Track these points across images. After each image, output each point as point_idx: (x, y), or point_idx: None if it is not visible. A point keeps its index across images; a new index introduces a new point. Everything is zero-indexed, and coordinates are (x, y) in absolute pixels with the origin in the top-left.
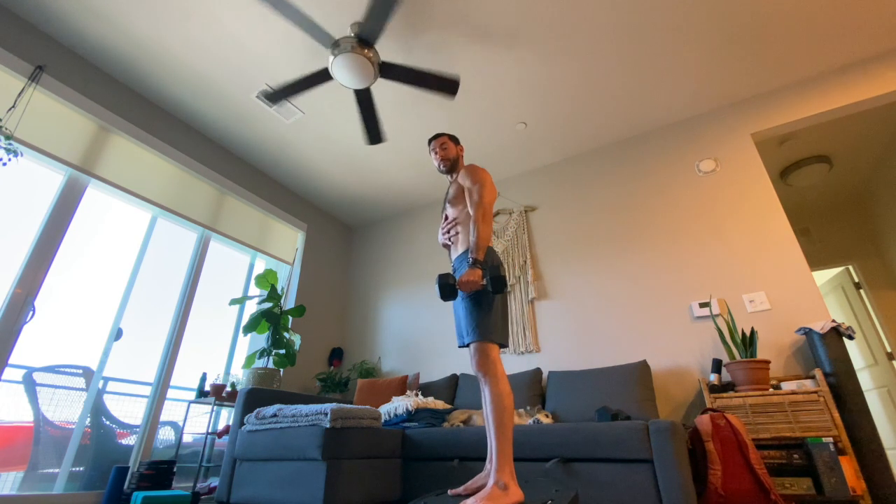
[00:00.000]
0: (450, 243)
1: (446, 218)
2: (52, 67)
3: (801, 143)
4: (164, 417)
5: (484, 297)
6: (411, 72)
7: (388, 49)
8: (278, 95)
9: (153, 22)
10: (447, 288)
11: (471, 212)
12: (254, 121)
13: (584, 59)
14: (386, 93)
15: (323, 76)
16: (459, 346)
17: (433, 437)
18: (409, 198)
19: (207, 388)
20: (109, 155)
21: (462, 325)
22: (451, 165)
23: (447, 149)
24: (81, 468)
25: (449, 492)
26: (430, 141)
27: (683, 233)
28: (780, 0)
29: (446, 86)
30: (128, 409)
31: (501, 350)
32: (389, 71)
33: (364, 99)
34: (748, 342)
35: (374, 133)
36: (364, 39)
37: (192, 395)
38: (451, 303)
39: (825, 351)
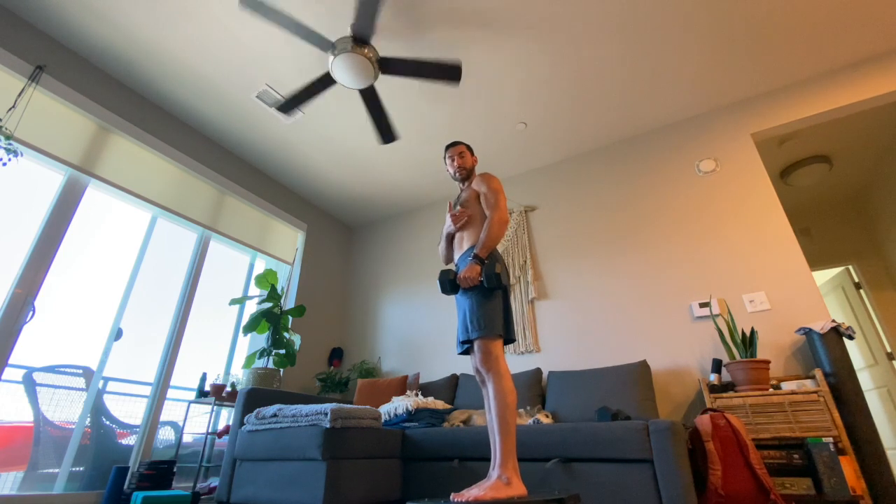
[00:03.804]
0: (458, 230)
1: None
2: (52, 67)
3: (801, 143)
4: (164, 417)
5: (486, 293)
6: (411, 63)
7: (388, 51)
8: (289, 105)
9: (153, 22)
10: (447, 283)
11: (487, 213)
12: (254, 121)
13: (585, 59)
14: (386, 93)
15: (326, 81)
16: (459, 353)
17: (433, 437)
18: (409, 198)
19: (207, 388)
20: (109, 155)
21: (466, 321)
22: (467, 174)
23: (465, 157)
24: (81, 468)
25: (452, 496)
26: (447, 147)
27: (684, 233)
28: (781, 0)
29: (448, 73)
30: (128, 409)
31: (504, 348)
32: (389, 66)
33: (370, 97)
34: (748, 342)
35: (386, 131)
36: (359, 38)
37: (192, 395)
38: (453, 303)
39: (825, 351)
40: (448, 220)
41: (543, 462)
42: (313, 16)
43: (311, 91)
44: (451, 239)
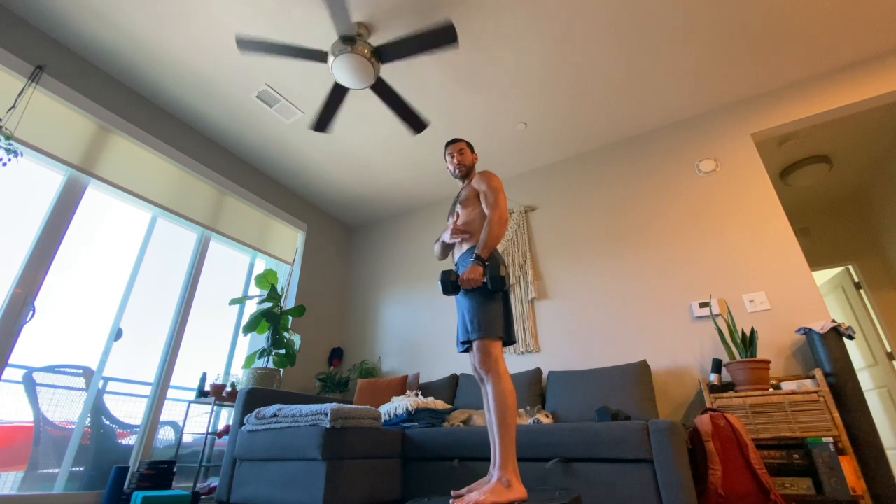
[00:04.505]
0: (453, 241)
1: (457, 217)
2: (52, 67)
3: (801, 143)
4: (164, 417)
5: (487, 295)
6: (405, 42)
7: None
8: (323, 124)
9: (154, 22)
10: (449, 284)
11: (487, 212)
12: (254, 121)
13: (585, 59)
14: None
15: (339, 90)
16: (460, 352)
17: (433, 437)
18: (409, 198)
19: (207, 388)
20: (109, 155)
21: (466, 321)
22: (467, 172)
23: (464, 154)
24: (81, 468)
25: (452, 493)
26: (447, 144)
27: (683, 233)
28: (781, 1)
29: (444, 36)
30: (128, 409)
31: (504, 348)
32: (386, 53)
33: (384, 91)
34: (748, 342)
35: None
36: (346, 37)
37: (192, 395)
38: (453, 303)
39: (825, 351)
40: (447, 231)
41: (543, 462)
42: (305, 32)
43: (331, 106)
44: (446, 245)
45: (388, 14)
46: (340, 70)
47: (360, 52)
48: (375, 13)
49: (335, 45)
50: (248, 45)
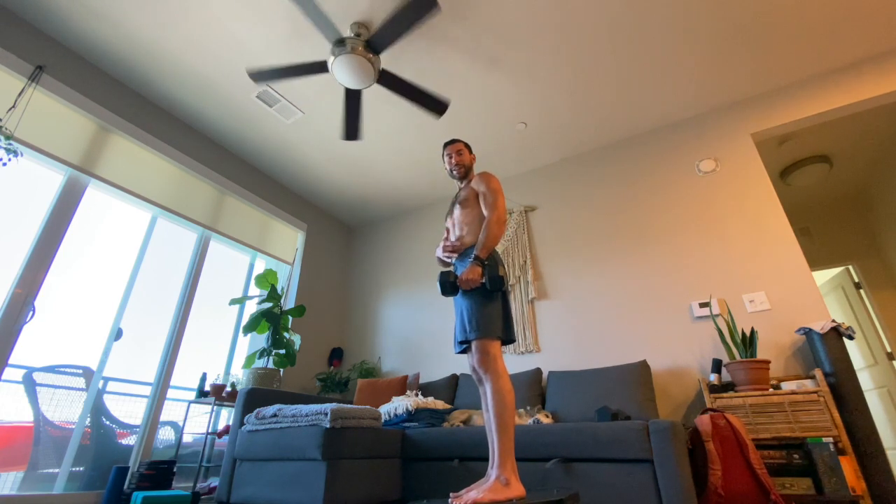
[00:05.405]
0: (448, 260)
1: (448, 233)
2: (52, 67)
3: (801, 143)
4: (164, 417)
5: (485, 295)
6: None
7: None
8: (265, 75)
9: (153, 22)
10: (447, 285)
11: (485, 213)
12: (254, 121)
13: (585, 59)
14: (387, 92)
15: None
16: (457, 352)
17: (433, 437)
18: (409, 198)
19: (207, 388)
20: (109, 155)
21: (464, 321)
22: (465, 172)
23: (462, 155)
24: (81, 468)
25: (451, 495)
26: (445, 145)
27: (683, 233)
28: (781, 0)
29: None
30: (128, 409)
31: (504, 348)
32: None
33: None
34: (748, 342)
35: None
36: (373, 45)
37: (192, 395)
38: (451, 303)
39: (825, 351)
40: (440, 247)
41: (543, 462)
42: (304, 30)
43: (352, 111)
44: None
45: (383, 11)
46: (342, 74)
47: (354, 52)
48: (368, 11)
49: (331, 51)
50: (260, 76)
